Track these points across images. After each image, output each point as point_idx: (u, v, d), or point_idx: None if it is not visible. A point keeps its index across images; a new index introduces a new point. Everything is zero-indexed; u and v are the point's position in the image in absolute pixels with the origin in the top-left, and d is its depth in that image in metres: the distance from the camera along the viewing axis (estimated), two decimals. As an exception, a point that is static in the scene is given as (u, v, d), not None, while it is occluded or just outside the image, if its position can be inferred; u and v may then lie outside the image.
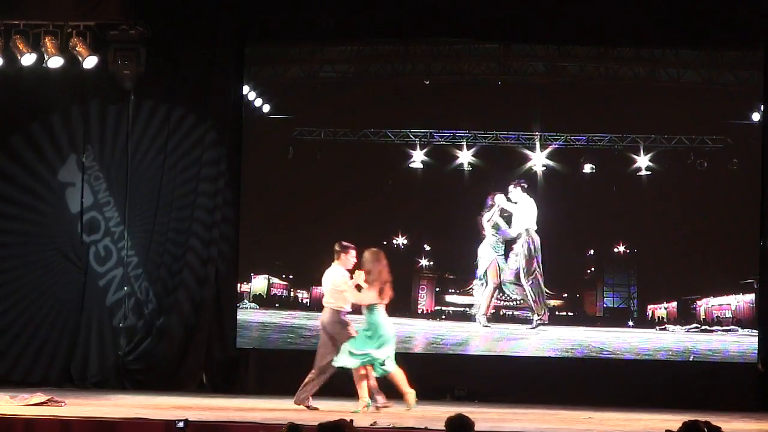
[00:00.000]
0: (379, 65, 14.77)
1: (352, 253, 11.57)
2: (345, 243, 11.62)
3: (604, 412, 11.87)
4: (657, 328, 14.20)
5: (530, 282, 14.30)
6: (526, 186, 14.24)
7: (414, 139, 14.57)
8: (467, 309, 14.53)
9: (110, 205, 14.10)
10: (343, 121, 14.55)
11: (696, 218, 14.06)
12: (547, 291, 14.43)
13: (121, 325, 13.94)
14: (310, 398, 11.50)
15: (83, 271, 14.01)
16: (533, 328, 14.27)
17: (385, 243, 13.87)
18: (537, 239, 14.20)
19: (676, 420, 6.44)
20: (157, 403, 11.76)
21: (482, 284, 14.41)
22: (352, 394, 11.35)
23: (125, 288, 13.95)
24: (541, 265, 14.24)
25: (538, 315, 14.27)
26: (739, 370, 13.52)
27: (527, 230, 14.25)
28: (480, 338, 14.25)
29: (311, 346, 14.02)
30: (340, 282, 11.46)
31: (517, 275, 14.38)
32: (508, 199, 14.30)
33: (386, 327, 11.26)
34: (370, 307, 11.25)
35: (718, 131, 14.10)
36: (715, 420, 6.45)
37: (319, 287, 14.66)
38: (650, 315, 14.32)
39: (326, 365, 11.42)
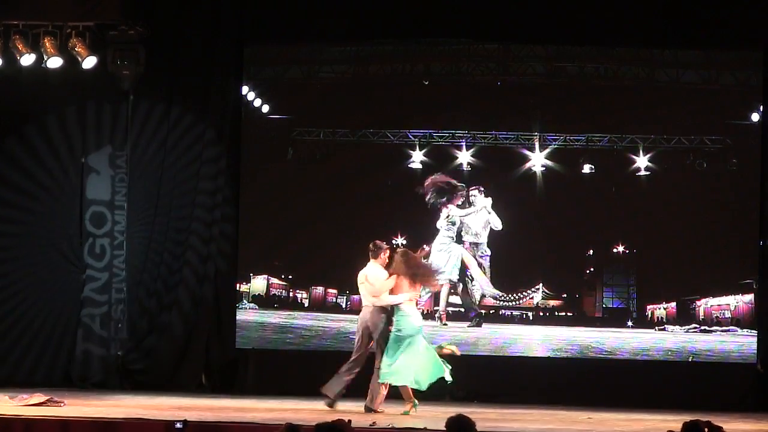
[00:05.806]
0: (379, 65, 14.77)
1: (387, 252, 11.49)
2: (379, 242, 11.54)
3: (603, 412, 11.87)
4: (656, 328, 14.22)
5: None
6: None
7: (413, 139, 14.57)
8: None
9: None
10: (342, 121, 14.55)
11: (696, 218, 14.06)
12: (547, 291, 14.45)
13: (120, 326, 13.93)
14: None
15: (83, 271, 14.00)
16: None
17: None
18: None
19: (676, 420, 6.45)
20: (157, 403, 11.75)
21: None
22: (352, 394, 11.34)
23: (124, 289, 13.94)
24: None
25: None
26: (739, 370, 13.51)
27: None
28: (479, 338, 14.24)
29: (311, 346, 14.09)
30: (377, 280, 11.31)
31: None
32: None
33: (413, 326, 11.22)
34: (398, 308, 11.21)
35: (718, 131, 14.12)
36: (715, 420, 6.46)
37: (317, 287, 14.74)
38: (649, 315, 14.33)
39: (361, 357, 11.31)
